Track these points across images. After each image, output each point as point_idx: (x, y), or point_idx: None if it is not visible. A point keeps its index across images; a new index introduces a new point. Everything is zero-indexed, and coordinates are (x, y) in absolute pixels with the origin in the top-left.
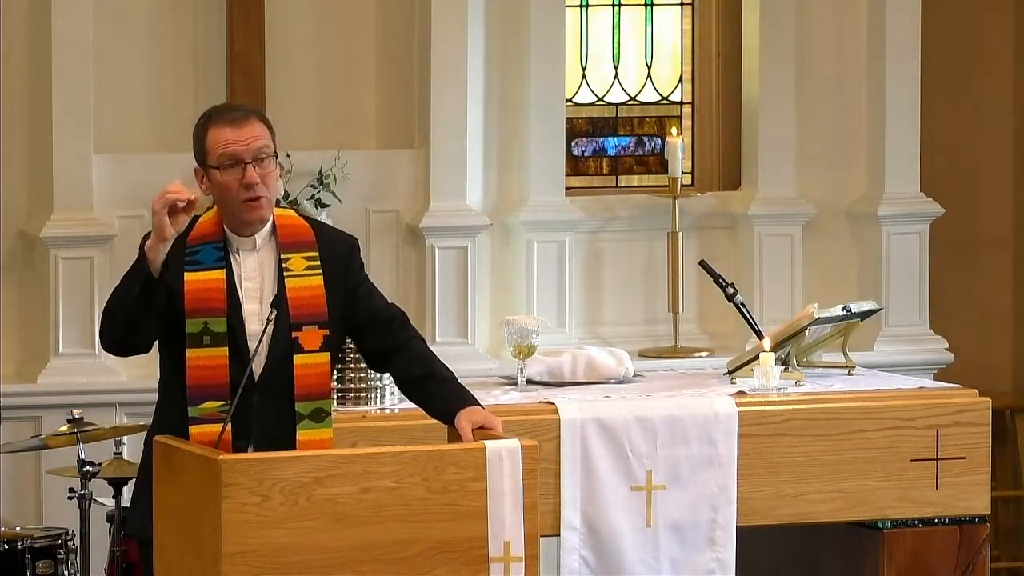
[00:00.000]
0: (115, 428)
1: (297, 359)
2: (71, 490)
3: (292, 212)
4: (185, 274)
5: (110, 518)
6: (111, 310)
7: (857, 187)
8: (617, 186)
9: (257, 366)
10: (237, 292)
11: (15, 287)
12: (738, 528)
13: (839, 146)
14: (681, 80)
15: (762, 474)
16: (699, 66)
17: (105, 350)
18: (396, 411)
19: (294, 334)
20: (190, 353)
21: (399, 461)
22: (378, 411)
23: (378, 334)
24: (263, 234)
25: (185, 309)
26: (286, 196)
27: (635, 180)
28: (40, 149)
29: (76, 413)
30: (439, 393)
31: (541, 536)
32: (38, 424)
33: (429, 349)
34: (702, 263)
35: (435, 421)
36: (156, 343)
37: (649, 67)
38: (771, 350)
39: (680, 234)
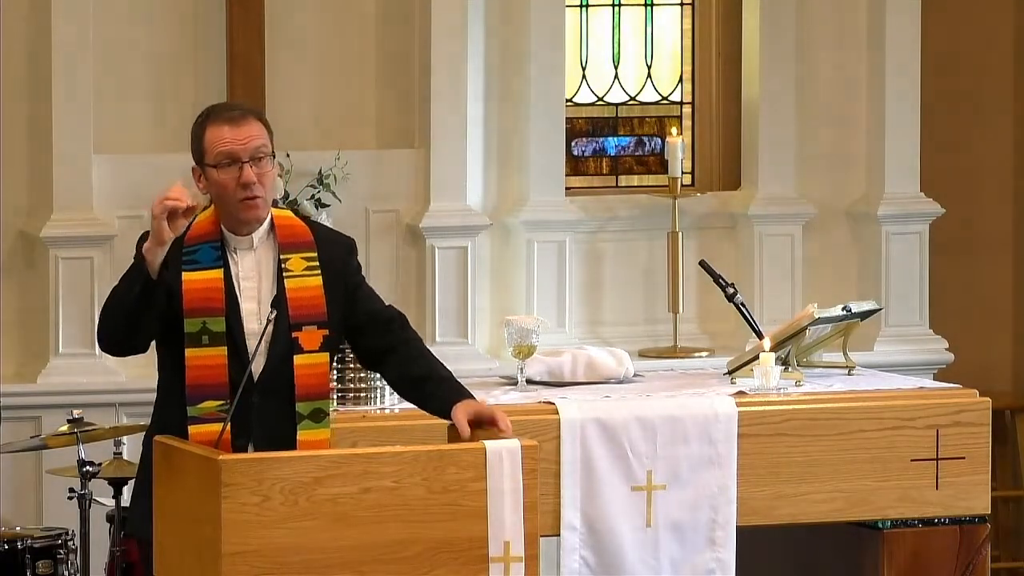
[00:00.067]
0: (115, 428)
1: (297, 359)
2: (71, 490)
3: (289, 212)
4: (183, 274)
5: (110, 518)
6: (110, 311)
7: (857, 187)
8: (617, 186)
9: (256, 366)
10: (235, 291)
11: (15, 287)
12: (738, 528)
13: (839, 146)
14: (681, 80)
15: (762, 474)
16: (699, 66)
17: (103, 350)
18: (396, 411)
19: (294, 334)
20: (189, 353)
21: (399, 461)
22: (378, 411)
23: (378, 334)
24: (260, 233)
25: (183, 309)
26: (286, 196)
27: (635, 180)
28: (40, 149)
29: (76, 413)
30: (437, 392)
31: (541, 536)
32: (38, 424)
33: (428, 350)
34: (702, 263)
35: (435, 421)
36: (154, 343)
37: (649, 67)
38: (771, 350)
39: (680, 234)
